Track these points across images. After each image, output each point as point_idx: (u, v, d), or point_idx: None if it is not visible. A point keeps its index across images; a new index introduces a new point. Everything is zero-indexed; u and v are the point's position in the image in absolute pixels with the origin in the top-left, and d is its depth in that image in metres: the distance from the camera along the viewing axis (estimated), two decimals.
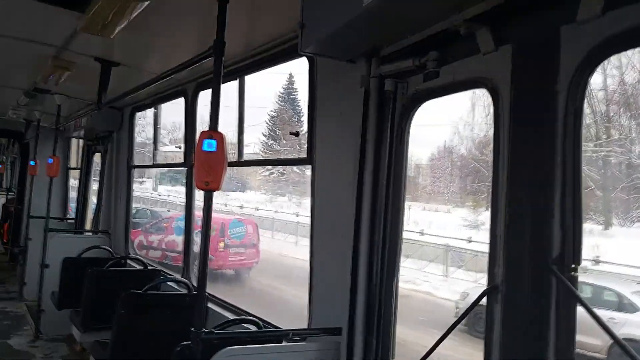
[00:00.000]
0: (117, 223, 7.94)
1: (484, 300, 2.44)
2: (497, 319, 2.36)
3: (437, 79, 2.79)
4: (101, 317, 5.31)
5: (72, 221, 10.40)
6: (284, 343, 3.22)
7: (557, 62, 2.21)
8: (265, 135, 32.67)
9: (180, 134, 6.63)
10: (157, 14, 3.90)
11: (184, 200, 6.09)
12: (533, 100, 2.32)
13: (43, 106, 8.09)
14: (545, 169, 2.23)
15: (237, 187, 30.70)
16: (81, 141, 10.77)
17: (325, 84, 3.64)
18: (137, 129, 7.93)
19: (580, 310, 2.13)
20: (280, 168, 30.25)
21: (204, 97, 5.82)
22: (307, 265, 3.69)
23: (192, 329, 2.89)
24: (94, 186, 9.99)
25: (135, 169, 7.98)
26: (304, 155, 3.86)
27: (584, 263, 2.19)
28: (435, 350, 2.61)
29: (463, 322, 5.64)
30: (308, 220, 3.77)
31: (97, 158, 9.63)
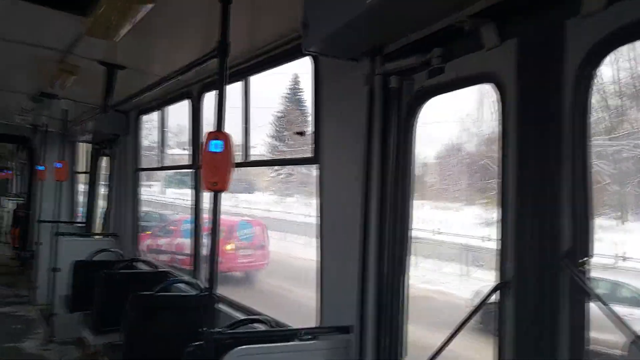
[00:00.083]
0: (126, 226, 7.98)
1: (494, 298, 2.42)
2: (510, 314, 2.35)
3: (442, 75, 2.77)
4: (112, 320, 5.34)
5: (80, 225, 10.47)
6: (295, 342, 3.21)
7: (563, 55, 2.19)
8: (271, 137, 32.72)
9: (185, 137, 6.65)
10: (160, 16, 3.91)
11: (192, 203, 6.10)
12: (539, 94, 2.31)
13: (50, 111, 8.15)
14: (554, 163, 2.21)
15: (245, 188, 30.76)
16: (86, 145, 10.85)
17: (329, 83, 3.64)
18: (144, 132, 7.98)
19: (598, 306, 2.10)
20: (288, 169, 30.26)
21: (209, 101, 5.85)
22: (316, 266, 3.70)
23: (204, 329, 2.90)
24: (102, 190, 10.06)
25: (143, 173, 8.02)
26: (310, 154, 3.86)
27: (606, 260, 2.18)
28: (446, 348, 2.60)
29: (478, 319, 5.59)
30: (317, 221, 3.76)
31: (104, 162, 9.69)
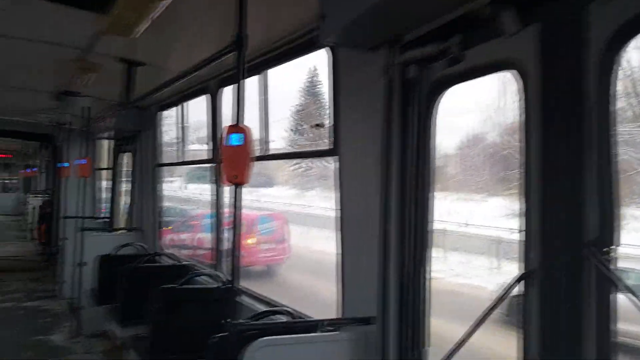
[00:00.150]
0: (148, 220, 8.09)
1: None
2: (535, 304, 2.32)
3: (462, 63, 2.73)
4: (137, 312, 5.43)
5: (103, 220, 10.65)
6: (316, 333, 3.23)
7: (587, 40, 2.14)
8: (290, 130, 32.73)
9: (203, 132, 6.70)
10: (177, 11, 3.94)
11: (212, 197, 6.15)
12: (562, 81, 2.25)
13: (72, 109, 8.28)
14: (578, 151, 2.16)
15: (264, 182, 30.89)
16: (107, 142, 11.02)
17: (347, 74, 3.62)
18: (164, 128, 8.06)
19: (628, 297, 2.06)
20: (307, 162, 30.26)
21: (227, 95, 5.87)
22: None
23: (227, 320, 2.93)
24: (124, 186, 10.22)
25: (164, 169, 8.11)
26: (330, 146, 3.85)
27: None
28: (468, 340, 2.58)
29: (504, 312, 5.52)
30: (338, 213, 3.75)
31: (126, 158, 9.83)
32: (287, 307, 4.18)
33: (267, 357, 2.89)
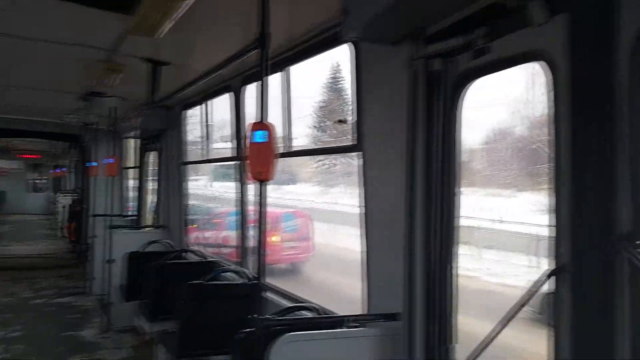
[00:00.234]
0: (174, 218, 8.21)
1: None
2: (566, 300, 2.27)
3: (488, 55, 2.68)
4: (166, 308, 5.52)
5: (131, 218, 10.84)
6: (342, 329, 3.23)
7: (617, 28, 2.07)
8: (313, 127, 32.71)
9: (227, 131, 6.75)
10: (200, 11, 3.96)
11: (237, 194, 6.19)
12: (593, 70, 2.19)
13: (99, 109, 8.43)
14: (610, 143, 2.10)
15: (288, 180, 30.97)
16: (132, 141, 11.19)
17: (370, 69, 3.59)
18: (189, 127, 8.15)
19: None
20: (331, 159, 30.22)
21: (250, 93, 5.90)
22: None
23: (255, 316, 2.94)
24: (150, 184, 10.38)
25: (190, 167, 8.20)
26: (353, 142, 3.83)
27: None
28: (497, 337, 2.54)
29: (536, 310, 5.43)
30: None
31: (152, 157, 9.98)
32: (313, 302, 4.18)
33: (293, 352, 2.90)
